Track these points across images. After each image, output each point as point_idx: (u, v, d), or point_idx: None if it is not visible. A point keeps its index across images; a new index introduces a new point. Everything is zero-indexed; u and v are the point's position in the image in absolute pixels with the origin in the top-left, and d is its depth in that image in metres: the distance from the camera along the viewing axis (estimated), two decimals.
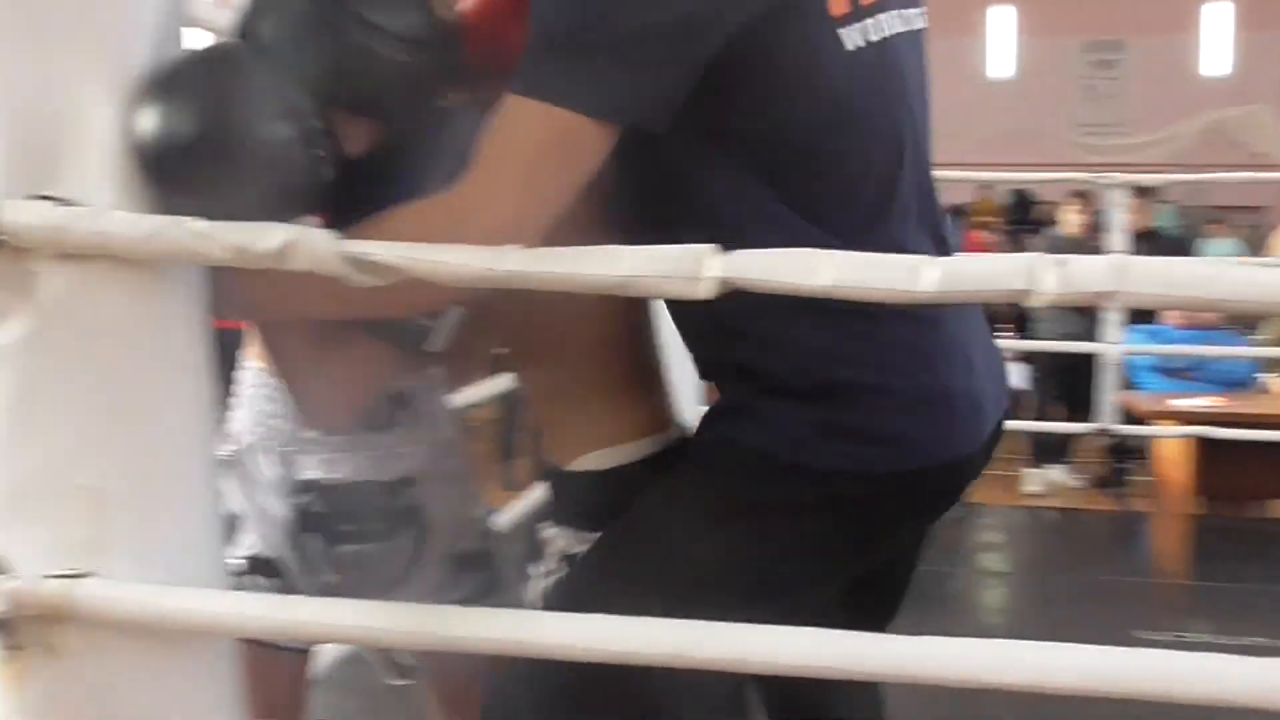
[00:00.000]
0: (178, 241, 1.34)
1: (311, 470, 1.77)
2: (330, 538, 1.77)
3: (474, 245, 1.23)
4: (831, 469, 1.39)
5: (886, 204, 1.43)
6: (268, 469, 1.79)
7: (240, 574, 1.77)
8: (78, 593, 1.36)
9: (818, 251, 1.05)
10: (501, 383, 3.59)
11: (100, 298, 1.41)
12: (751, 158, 1.36)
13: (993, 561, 4.49)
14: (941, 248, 1.54)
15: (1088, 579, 4.39)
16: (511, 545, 2.01)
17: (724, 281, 1.07)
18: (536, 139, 1.26)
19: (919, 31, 1.52)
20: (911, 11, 1.50)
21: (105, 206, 1.36)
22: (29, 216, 1.35)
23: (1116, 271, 0.96)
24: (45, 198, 1.37)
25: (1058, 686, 1.16)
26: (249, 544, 1.80)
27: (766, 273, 1.05)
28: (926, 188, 1.53)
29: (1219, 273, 0.97)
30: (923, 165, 1.51)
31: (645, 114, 1.28)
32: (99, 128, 1.39)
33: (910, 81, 1.48)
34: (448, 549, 1.87)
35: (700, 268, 1.08)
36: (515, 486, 7.02)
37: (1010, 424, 1.57)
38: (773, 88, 1.33)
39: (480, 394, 3.61)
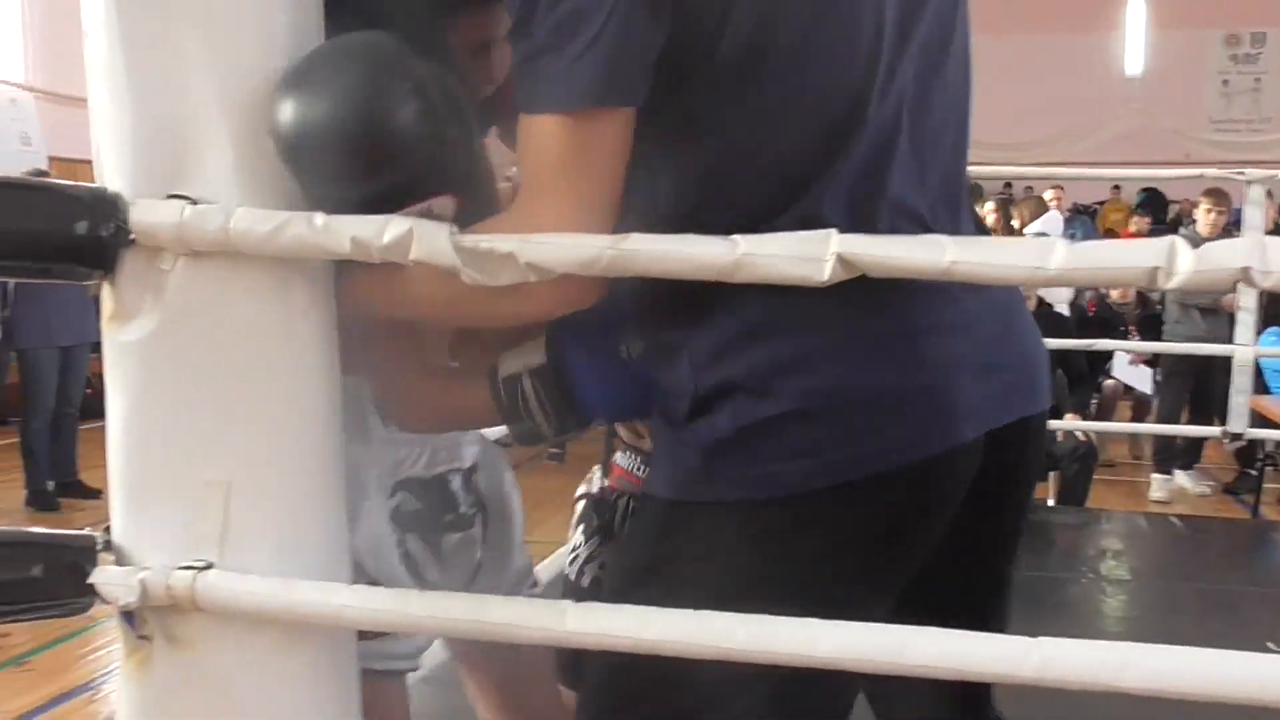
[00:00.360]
0: (301, 237, 1.36)
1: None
2: (427, 533, 1.79)
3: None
4: (798, 491, 1.28)
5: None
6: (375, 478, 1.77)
7: None
8: (201, 584, 1.38)
9: (939, 237, 1.03)
10: None
11: (227, 294, 1.44)
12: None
13: (1114, 569, 4.37)
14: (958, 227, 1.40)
15: (1214, 588, 4.24)
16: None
17: (845, 261, 1.05)
18: (553, 150, 1.26)
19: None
20: None
21: (231, 204, 1.39)
22: (159, 215, 1.39)
23: (1257, 250, 0.92)
24: (175, 197, 1.40)
25: (1184, 692, 1.12)
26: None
27: (889, 253, 1.03)
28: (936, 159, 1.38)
29: None
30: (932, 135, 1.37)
31: (621, 93, 1.24)
32: (226, 127, 1.42)
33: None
34: (519, 535, 1.90)
35: (823, 248, 1.06)
36: None
37: (1136, 428, 1.50)
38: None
39: None
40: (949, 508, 1.36)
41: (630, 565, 1.48)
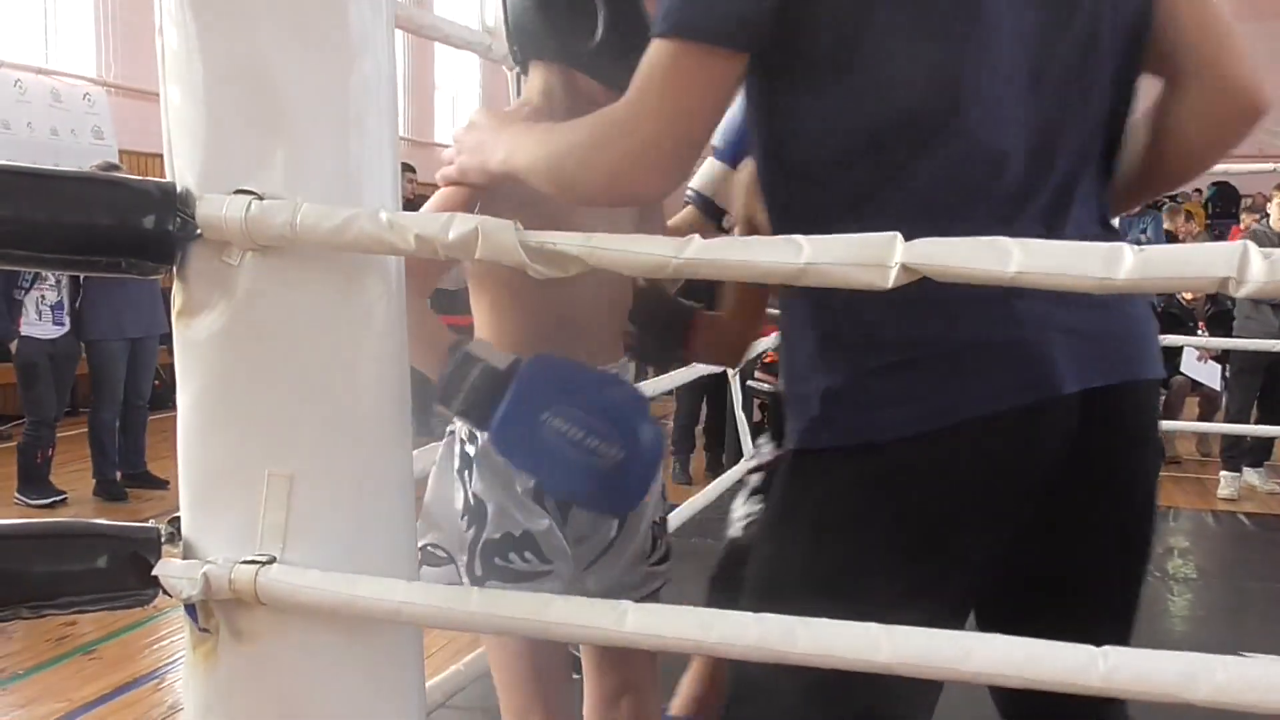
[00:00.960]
0: (366, 232, 1.37)
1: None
2: (563, 508, 1.93)
3: (614, 164, 1.45)
4: (906, 434, 1.36)
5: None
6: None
7: (499, 556, 1.90)
8: (264, 579, 1.40)
9: (1004, 239, 1.02)
10: (685, 375, 3.59)
11: (293, 288, 1.46)
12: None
13: (1181, 567, 4.29)
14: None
15: None
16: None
17: (910, 269, 1.04)
18: (658, 72, 1.41)
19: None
20: None
21: (298, 200, 1.40)
22: (226, 210, 1.40)
23: None
24: (242, 191, 1.41)
25: (1257, 704, 1.10)
26: (496, 526, 1.90)
27: (953, 260, 1.02)
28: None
29: None
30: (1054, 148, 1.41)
31: (723, 34, 1.37)
32: (296, 124, 1.44)
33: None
34: (652, 514, 2.11)
35: (888, 255, 1.05)
36: (687, 480, 7.05)
37: (1203, 426, 1.49)
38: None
39: (666, 385, 3.62)
40: (1047, 461, 1.39)
41: (767, 517, 1.61)
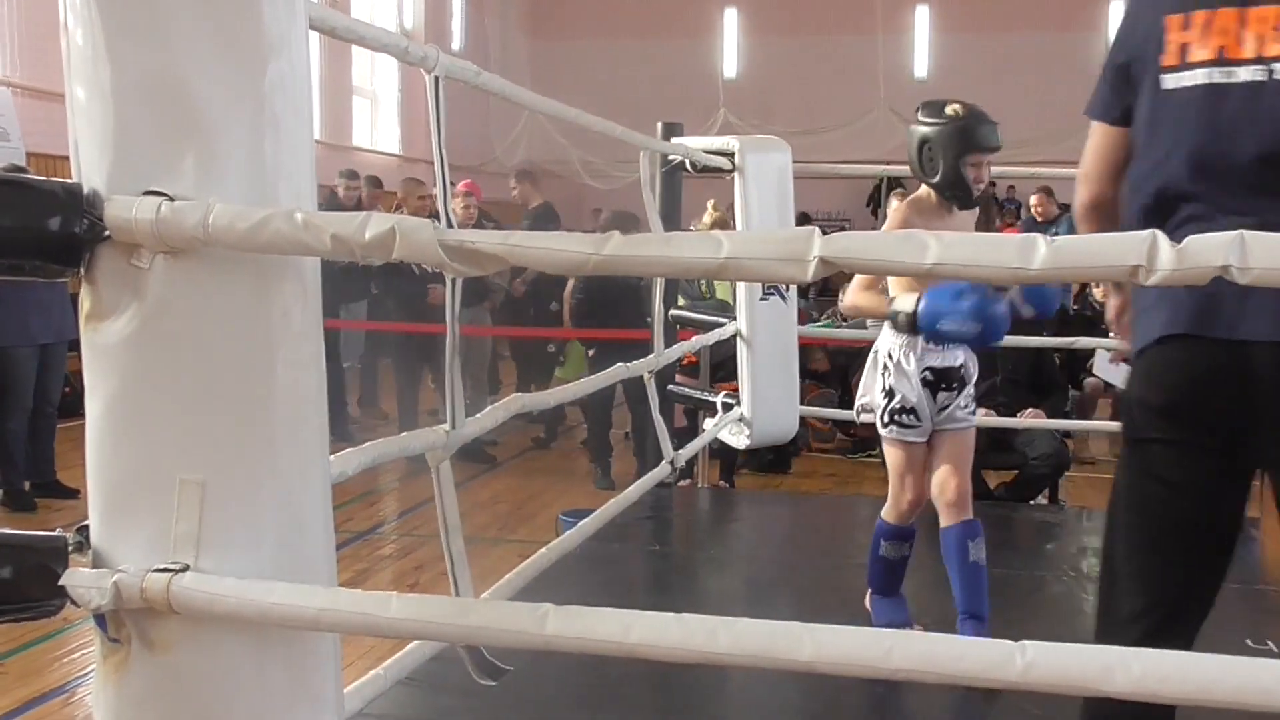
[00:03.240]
0: (281, 233, 1.34)
1: (931, 360, 3.33)
2: (935, 392, 3.34)
3: (1077, 206, 2.24)
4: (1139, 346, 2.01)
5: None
6: (911, 362, 3.33)
7: (897, 415, 3.33)
8: (177, 587, 1.37)
9: (919, 231, 1.03)
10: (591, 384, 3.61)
11: (207, 291, 1.42)
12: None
13: (1095, 567, 4.37)
14: None
15: None
16: None
17: (828, 262, 1.04)
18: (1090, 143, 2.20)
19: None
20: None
21: (211, 201, 1.37)
22: (135, 212, 1.37)
23: (1236, 246, 0.92)
24: (152, 193, 1.38)
25: (1170, 696, 1.12)
26: (900, 399, 3.32)
27: (870, 254, 1.03)
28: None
29: None
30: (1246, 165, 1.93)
31: (1098, 115, 2.16)
32: (207, 124, 1.41)
33: (1239, 118, 1.91)
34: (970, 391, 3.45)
35: (806, 249, 1.06)
36: (609, 485, 7.06)
37: (1116, 426, 1.59)
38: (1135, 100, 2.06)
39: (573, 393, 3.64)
40: (1231, 387, 1.88)
41: None
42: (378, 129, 17.02)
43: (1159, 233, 0.96)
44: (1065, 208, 11.22)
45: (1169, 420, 1.97)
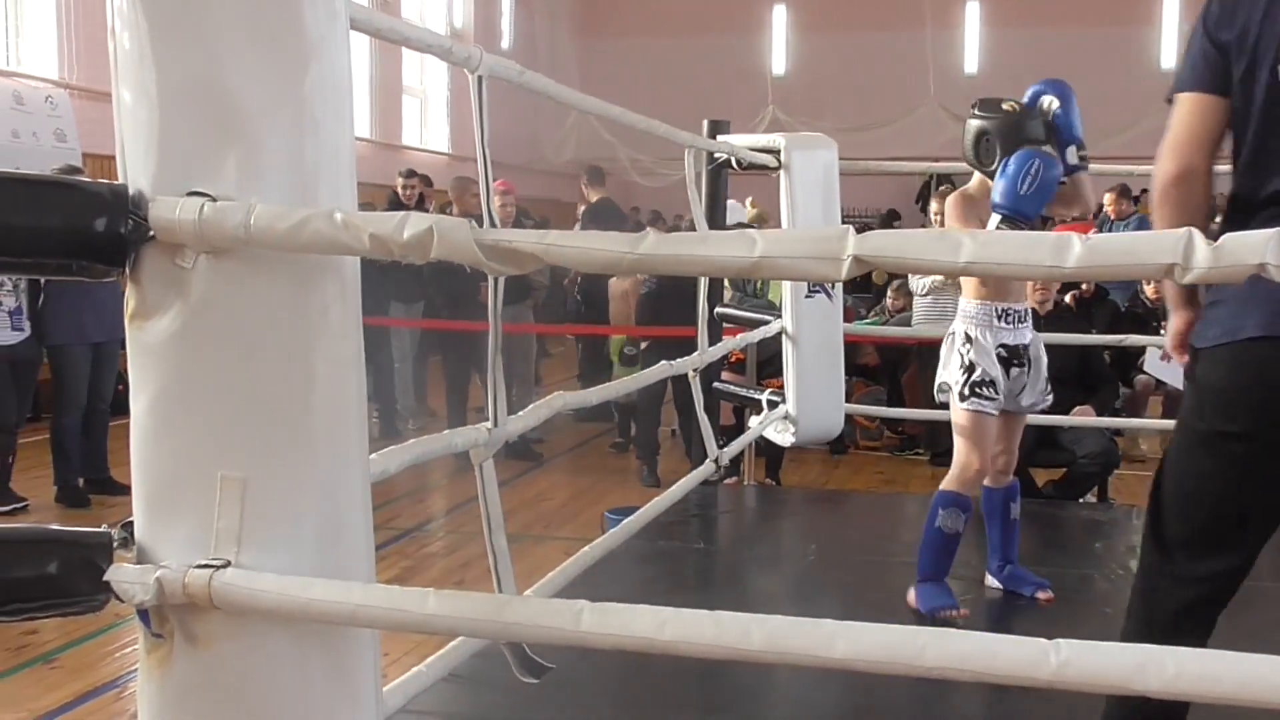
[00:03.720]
0: (321, 233, 1.36)
1: (1004, 338, 3.59)
2: (1008, 369, 3.58)
3: (1160, 180, 2.21)
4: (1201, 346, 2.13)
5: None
6: (988, 338, 3.57)
7: (976, 389, 3.52)
8: (218, 583, 1.39)
9: (954, 230, 1.02)
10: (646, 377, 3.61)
11: (249, 290, 1.44)
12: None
13: None
14: None
15: (1248, 583, 4.23)
16: None
17: (862, 260, 1.04)
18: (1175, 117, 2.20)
19: None
20: None
21: (252, 201, 1.39)
22: (178, 212, 1.39)
23: (1275, 243, 0.91)
24: (195, 194, 1.40)
25: (1208, 695, 1.10)
26: (981, 373, 3.53)
27: (905, 252, 1.02)
28: None
29: None
30: None
31: (1191, 86, 2.16)
32: (250, 127, 1.43)
33: None
34: (1045, 373, 3.74)
35: (841, 248, 1.06)
36: (655, 483, 7.06)
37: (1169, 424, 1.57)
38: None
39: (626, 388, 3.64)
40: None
41: None
42: (428, 128, 17.14)
43: (1195, 230, 0.95)
44: (1136, 200, 11.05)
45: (1251, 416, 2.04)
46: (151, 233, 1.41)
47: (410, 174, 9.29)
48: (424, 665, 2.35)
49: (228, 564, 1.40)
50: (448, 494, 6.96)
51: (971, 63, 19.91)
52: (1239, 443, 2.05)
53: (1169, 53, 19.55)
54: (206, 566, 1.39)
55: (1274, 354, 1.99)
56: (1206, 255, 0.92)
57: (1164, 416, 8.09)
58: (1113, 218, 9.02)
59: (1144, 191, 16.39)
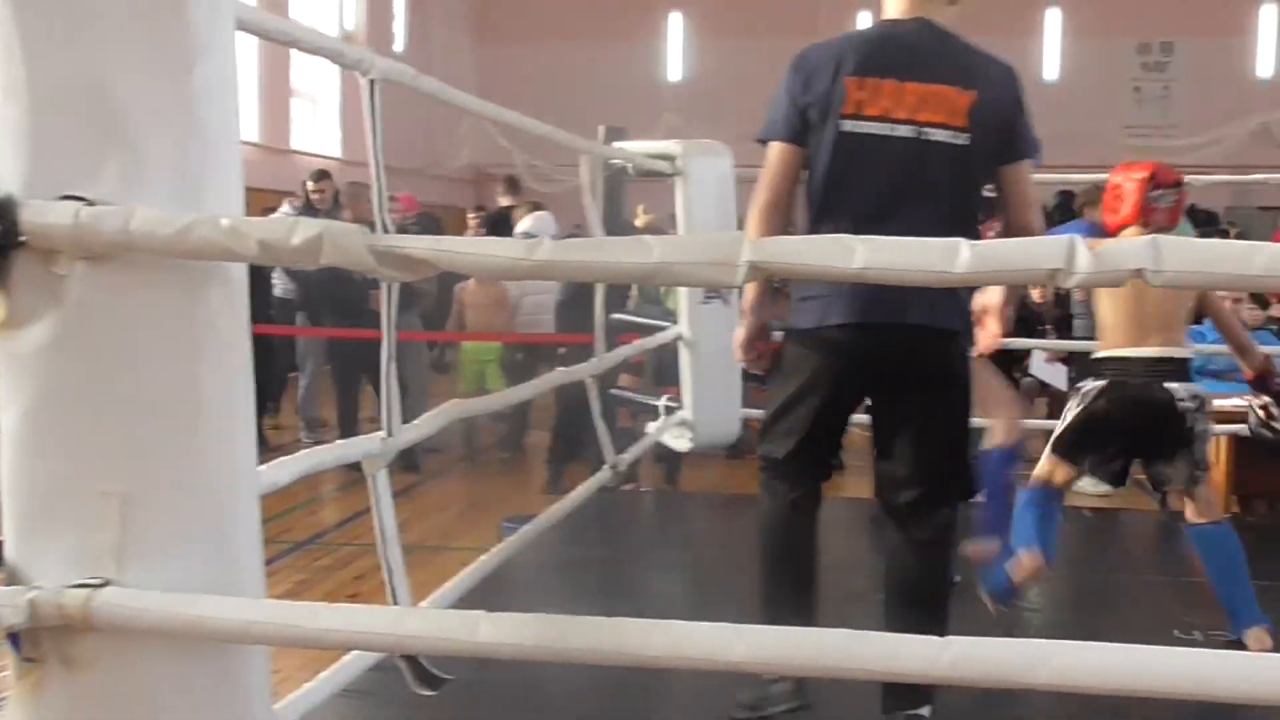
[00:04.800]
0: (207, 239, 1.32)
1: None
2: None
3: (758, 205, 2.76)
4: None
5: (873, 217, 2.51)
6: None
7: None
8: (97, 603, 1.34)
9: (847, 236, 1.03)
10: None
11: (129, 299, 1.40)
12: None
13: None
14: None
15: (1124, 578, 4.33)
16: None
17: (758, 267, 1.04)
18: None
19: (929, 142, 2.63)
20: (934, 129, 2.62)
21: (133, 205, 1.35)
22: (52, 217, 1.34)
23: (1151, 249, 0.93)
24: (71, 198, 1.35)
25: (1094, 686, 1.13)
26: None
27: (800, 258, 1.03)
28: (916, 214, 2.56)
29: (1253, 250, 0.95)
30: (905, 199, 2.63)
31: (783, 137, 2.74)
32: (128, 129, 1.38)
33: (899, 163, 2.63)
34: None
35: (736, 254, 1.06)
36: (558, 491, 7.03)
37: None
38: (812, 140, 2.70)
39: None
40: (849, 358, 2.69)
41: None
42: (318, 132, 16.88)
43: (1077, 237, 0.97)
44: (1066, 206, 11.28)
45: (830, 379, 2.73)
46: (23, 238, 1.35)
47: (321, 176, 9.07)
48: (317, 681, 2.30)
49: (107, 583, 1.35)
50: (340, 506, 6.86)
51: None
52: (817, 397, 2.73)
53: (1051, 65, 20.09)
54: (84, 586, 1.34)
55: (855, 335, 2.63)
56: (1088, 261, 0.94)
57: (1049, 418, 8.28)
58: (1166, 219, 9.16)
59: None
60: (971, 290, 2.70)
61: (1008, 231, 2.70)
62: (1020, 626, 3.45)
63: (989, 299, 2.76)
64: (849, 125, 2.61)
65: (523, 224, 8.34)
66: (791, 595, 2.75)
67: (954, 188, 2.63)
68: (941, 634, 2.23)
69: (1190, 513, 3.40)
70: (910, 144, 2.59)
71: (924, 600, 2.71)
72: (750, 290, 2.82)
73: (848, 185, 2.64)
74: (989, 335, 2.79)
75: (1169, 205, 3.47)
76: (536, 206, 8.93)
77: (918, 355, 2.65)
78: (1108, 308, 3.43)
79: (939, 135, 2.60)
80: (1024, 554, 3.40)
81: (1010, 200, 2.70)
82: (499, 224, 8.55)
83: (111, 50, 1.39)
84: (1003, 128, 2.65)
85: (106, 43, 1.39)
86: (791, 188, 2.72)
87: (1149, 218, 3.42)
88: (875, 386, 2.73)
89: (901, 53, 2.63)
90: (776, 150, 2.73)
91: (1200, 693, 1.14)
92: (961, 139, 2.60)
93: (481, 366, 7.87)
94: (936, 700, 2.62)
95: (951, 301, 2.64)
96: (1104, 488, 7.06)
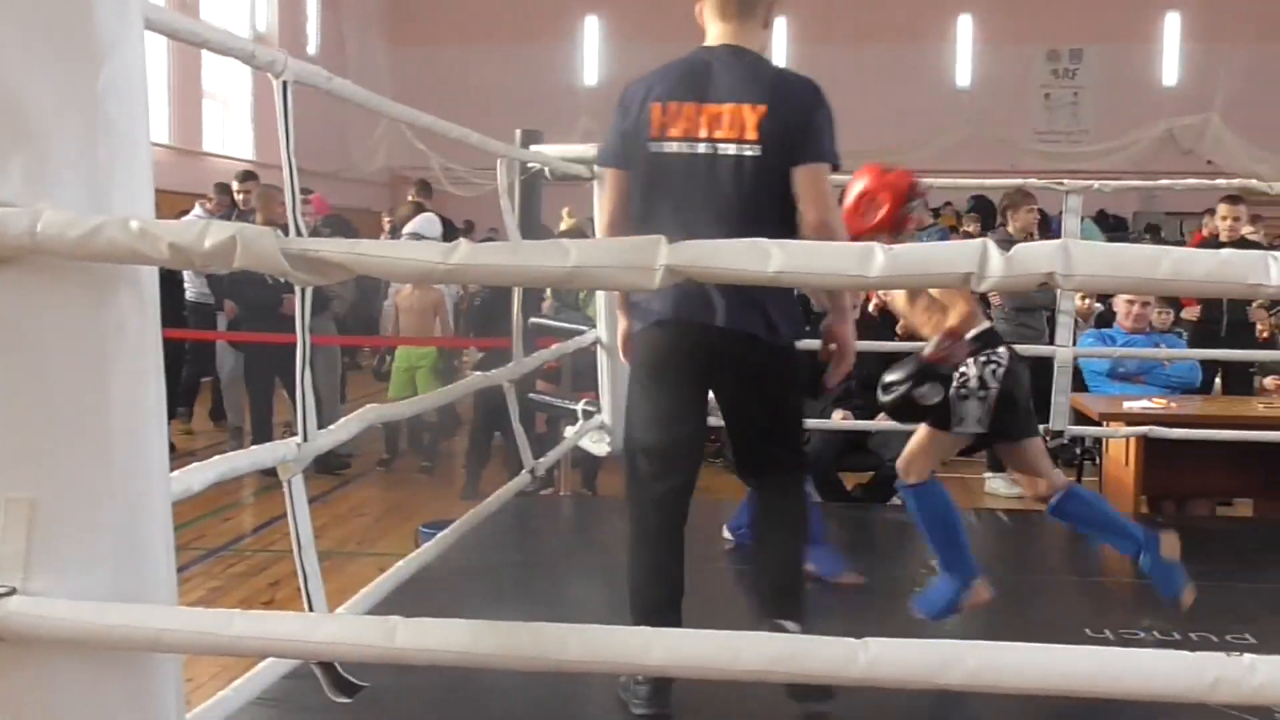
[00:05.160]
0: (116, 241, 1.30)
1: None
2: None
3: (602, 226, 3.14)
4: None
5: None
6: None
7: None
8: (2, 612, 1.31)
9: (764, 240, 1.04)
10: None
11: (36, 302, 1.37)
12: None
13: None
14: None
15: (1038, 579, 4.42)
16: None
17: (674, 270, 1.05)
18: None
19: (722, 156, 2.90)
20: (727, 144, 2.89)
21: (39, 207, 1.32)
22: None
23: (1061, 253, 0.95)
24: None
25: (1008, 686, 1.15)
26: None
27: (715, 262, 1.04)
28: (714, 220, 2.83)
29: (1161, 254, 0.97)
30: (704, 211, 2.87)
31: (613, 164, 3.06)
32: (36, 128, 1.36)
33: (700, 177, 2.90)
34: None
35: (653, 258, 1.06)
36: (474, 495, 6.99)
37: None
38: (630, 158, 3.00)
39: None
40: (685, 347, 2.96)
41: None
42: (230, 134, 16.62)
43: (989, 242, 0.99)
44: (936, 213, 11.45)
45: (661, 372, 3.00)
46: None
47: (247, 177, 8.91)
48: (231, 689, 2.27)
49: (13, 591, 1.32)
50: (254, 512, 6.76)
51: None
52: (659, 389, 2.99)
53: (964, 72, 20.44)
54: None
55: (672, 332, 2.93)
56: (1000, 264, 0.96)
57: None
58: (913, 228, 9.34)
59: (946, 204, 17.19)
60: (790, 300, 3.02)
61: (804, 230, 2.87)
62: (934, 628, 3.50)
63: (618, 296, 3.21)
64: (655, 146, 2.90)
65: (410, 226, 8.28)
66: (655, 580, 3.04)
67: (754, 195, 2.87)
68: (791, 581, 3.04)
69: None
70: (708, 160, 2.87)
71: (775, 550, 3.09)
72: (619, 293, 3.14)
73: (658, 199, 2.92)
74: (838, 374, 3.12)
75: (916, 216, 3.66)
76: (420, 209, 8.85)
77: (729, 353, 2.92)
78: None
79: (730, 149, 2.87)
80: (978, 584, 3.49)
81: (804, 199, 2.86)
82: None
83: (14, 49, 1.36)
84: (795, 136, 2.86)
85: (9, 41, 1.36)
86: (625, 207, 3.00)
87: (903, 227, 3.56)
88: (704, 378, 3.01)
89: (702, 78, 2.92)
90: (607, 175, 3.09)
91: (1113, 691, 1.16)
92: (752, 150, 2.85)
93: (411, 373, 7.77)
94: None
95: (758, 308, 2.89)
96: (1017, 490, 7.23)
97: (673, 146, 2.89)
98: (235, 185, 8.69)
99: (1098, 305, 7.89)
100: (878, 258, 1.00)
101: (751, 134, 2.85)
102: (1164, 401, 5.68)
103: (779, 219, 2.86)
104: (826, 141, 2.91)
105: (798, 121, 2.87)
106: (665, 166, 2.90)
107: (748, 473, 3.17)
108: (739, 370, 2.96)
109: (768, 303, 2.86)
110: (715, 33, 2.99)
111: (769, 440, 3.06)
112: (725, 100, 2.87)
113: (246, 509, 6.83)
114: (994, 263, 0.98)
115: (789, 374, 3.05)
